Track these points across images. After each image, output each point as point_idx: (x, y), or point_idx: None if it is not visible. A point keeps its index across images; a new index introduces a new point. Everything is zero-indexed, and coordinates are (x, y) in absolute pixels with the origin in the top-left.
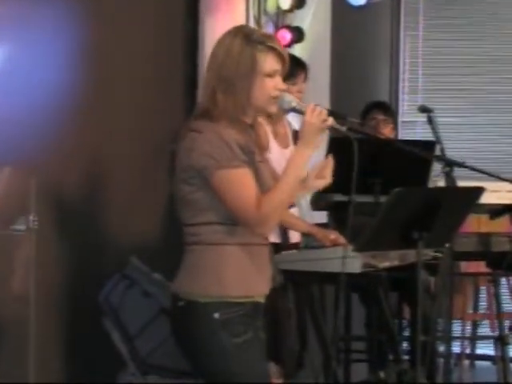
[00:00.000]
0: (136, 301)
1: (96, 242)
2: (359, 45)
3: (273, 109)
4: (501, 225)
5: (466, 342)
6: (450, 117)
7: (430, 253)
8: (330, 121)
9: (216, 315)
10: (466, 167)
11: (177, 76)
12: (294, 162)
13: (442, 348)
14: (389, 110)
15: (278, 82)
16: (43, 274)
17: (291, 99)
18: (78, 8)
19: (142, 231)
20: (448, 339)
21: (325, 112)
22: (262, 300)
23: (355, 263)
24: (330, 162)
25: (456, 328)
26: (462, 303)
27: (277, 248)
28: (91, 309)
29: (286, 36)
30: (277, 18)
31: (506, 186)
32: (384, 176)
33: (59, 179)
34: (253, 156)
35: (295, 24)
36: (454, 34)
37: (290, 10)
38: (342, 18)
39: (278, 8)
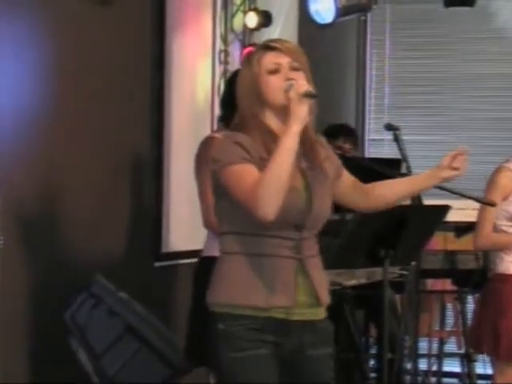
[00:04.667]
0: (102, 319)
1: (60, 259)
2: (325, 63)
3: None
4: (467, 243)
5: (433, 360)
6: (417, 134)
7: (396, 271)
8: (303, 89)
9: (220, 326)
10: None
11: (143, 94)
12: (282, 140)
13: (408, 365)
14: (356, 138)
15: (285, 74)
16: (8, 292)
17: (290, 83)
18: (41, 27)
19: (105, 247)
20: (415, 357)
21: (293, 83)
22: (284, 316)
23: None
24: (464, 150)
25: (422, 345)
26: (428, 321)
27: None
28: (56, 326)
29: None
30: (243, 37)
31: (471, 203)
32: None
33: (22, 195)
34: (261, 161)
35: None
36: (419, 52)
37: (257, 29)
38: (309, 36)
39: (245, 26)
